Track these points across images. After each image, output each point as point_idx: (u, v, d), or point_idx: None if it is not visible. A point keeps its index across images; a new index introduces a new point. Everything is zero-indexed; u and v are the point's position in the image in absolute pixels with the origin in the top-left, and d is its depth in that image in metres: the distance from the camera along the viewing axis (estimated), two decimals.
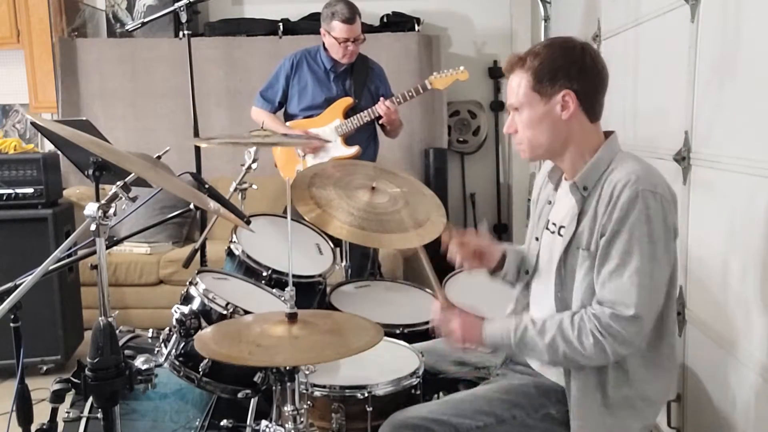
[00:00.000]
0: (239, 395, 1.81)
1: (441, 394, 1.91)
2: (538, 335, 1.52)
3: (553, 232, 1.67)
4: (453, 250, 1.78)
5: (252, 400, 1.92)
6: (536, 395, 1.62)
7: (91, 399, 1.85)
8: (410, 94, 3.22)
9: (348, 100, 3.23)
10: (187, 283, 1.90)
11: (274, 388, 1.73)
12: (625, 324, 1.45)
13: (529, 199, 4.66)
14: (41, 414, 1.71)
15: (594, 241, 1.52)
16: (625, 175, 1.48)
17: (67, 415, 1.86)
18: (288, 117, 3.34)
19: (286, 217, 2.19)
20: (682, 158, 2.19)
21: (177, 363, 1.79)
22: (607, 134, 1.61)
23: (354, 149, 3.22)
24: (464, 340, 1.62)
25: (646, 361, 1.55)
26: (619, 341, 1.45)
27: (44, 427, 1.73)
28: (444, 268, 2.07)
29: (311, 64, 3.28)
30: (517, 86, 1.57)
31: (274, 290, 2.11)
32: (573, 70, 1.53)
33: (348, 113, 3.23)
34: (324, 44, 3.23)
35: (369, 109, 3.19)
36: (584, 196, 1.56)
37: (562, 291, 1.59)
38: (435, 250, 1.84)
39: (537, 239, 1.73)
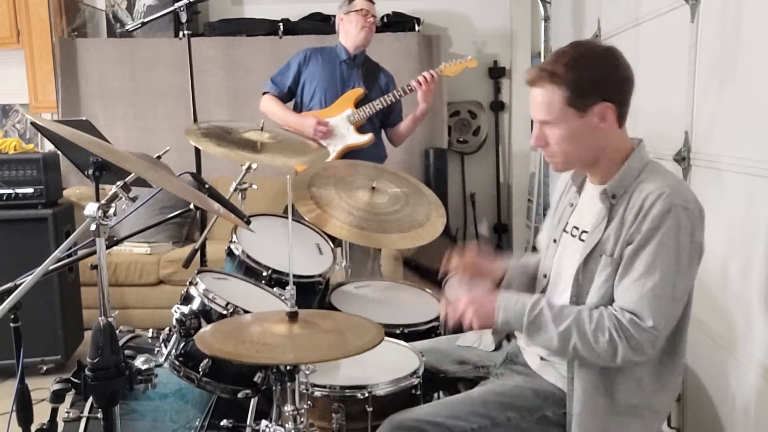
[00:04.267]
0: (239, 395, 1.81)
1: (441, 393, 1.92)
2: (553, 321, 1.49)
3: (574, 236, 1.64)
4: (454, 270, 1.78)
5: (252, 400, 1.92)
6: (532, 397, 1.62)
7: (91, 399, 1.85)
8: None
9: (359, 91, 3.26)
10: (187, 283, 1.90)
11: (274, 388, 1.73)
12: (642, 333, 1.44)
13: (529, 200, 4.66)
14: (41, 414, 1.71)
15: (618, 248, 1.50)
16: (658, 188, 1.46)
17: (67, 415, 1.85)
18: (298, 111, 3.35)
19: (286, 217, 2.19)
20: (682, 158, 2.19)
21: (177, 363, 1.79)
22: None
23: (368, 136, 3.23)
24: (479, 326, 1.57)
25: (658, 372, 1.54)
26: (632, 346, 1.44)
27: (44, 427, 1.73)
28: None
29: (324, 58, 3.31)
30: (548, 101, 1.50)
31: (274, 290, 2.11)
32: (610, 82, 1.50)
33: (359, 104, 3.26)
34: (339, 39, 3.27)
35: (381, 98, 3.21)
36: (613, 203, 1.53)
37: (578, 296, 1.57)
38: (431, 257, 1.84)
39: (555, 241, 1.70)
